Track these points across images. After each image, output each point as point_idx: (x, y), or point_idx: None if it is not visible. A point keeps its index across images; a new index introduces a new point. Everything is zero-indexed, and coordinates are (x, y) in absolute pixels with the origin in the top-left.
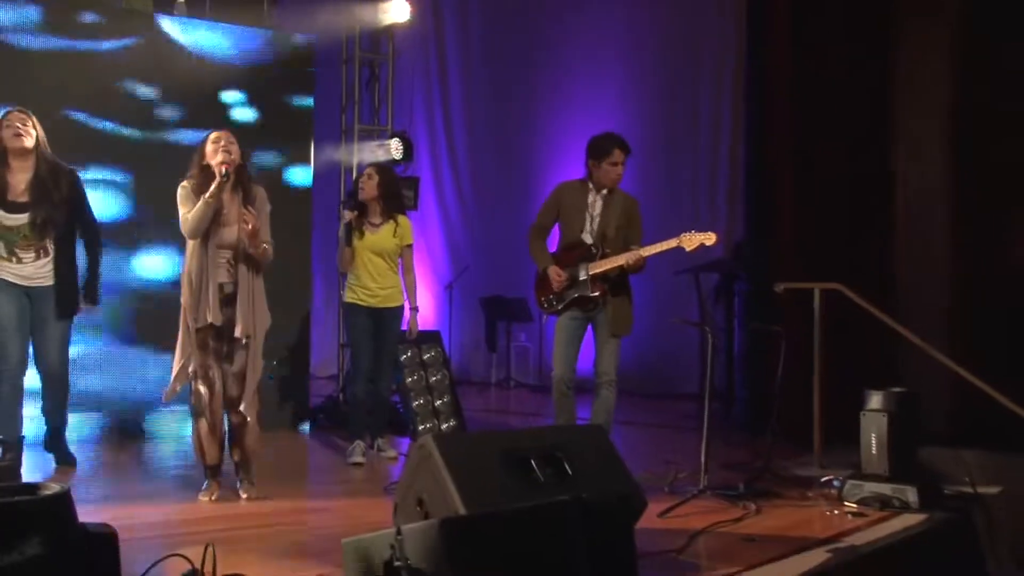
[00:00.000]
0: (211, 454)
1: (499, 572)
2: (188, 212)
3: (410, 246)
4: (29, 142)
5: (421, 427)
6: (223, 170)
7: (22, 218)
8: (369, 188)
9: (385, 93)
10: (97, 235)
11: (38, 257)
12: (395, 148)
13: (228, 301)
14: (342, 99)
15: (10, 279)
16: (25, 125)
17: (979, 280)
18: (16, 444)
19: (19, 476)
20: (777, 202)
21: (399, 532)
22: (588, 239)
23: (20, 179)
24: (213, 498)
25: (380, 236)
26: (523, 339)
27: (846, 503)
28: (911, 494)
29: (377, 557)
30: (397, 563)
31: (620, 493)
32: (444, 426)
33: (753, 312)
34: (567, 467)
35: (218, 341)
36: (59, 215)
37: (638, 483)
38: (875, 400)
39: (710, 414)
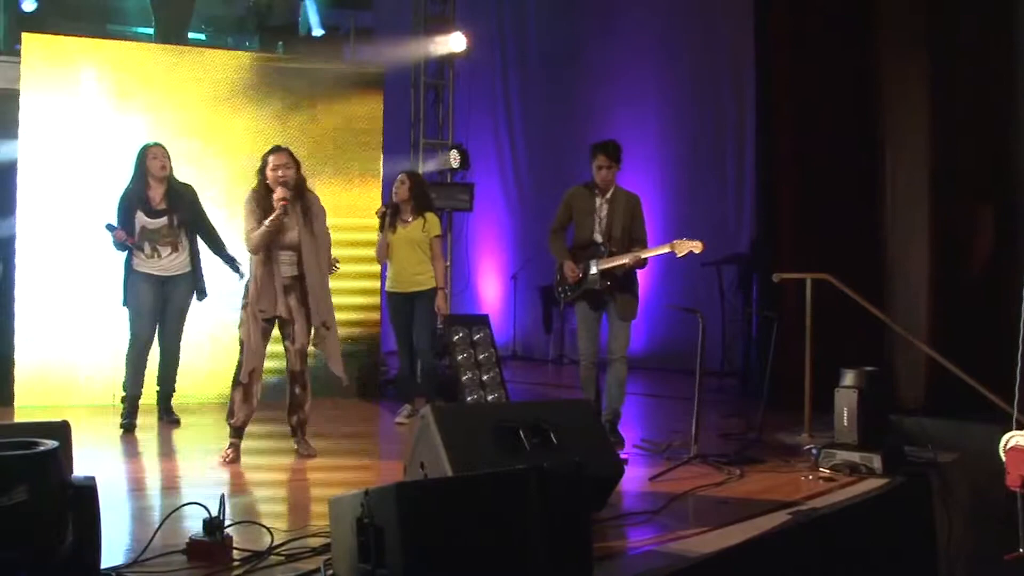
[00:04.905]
0: (239, 417)
1: (449, 534)
2: (251, 231)
3: (438, 237)
4: (167, 172)
5: (469, 398)
6: (281, 206)
7: (162, 221)
8: (401, 191)
9: (447, 112)
10: (219, 238)
11: (172, 251)
12: (454, 158)
13: (289, 292)
14: (411, 117)
15: (151, 272)
16: (167, 158)
17: (952, 267)
18: (135, 400)
19: (134, 430)
20: (780, 202)
21: (367, 493)
22: (598, 238)
23: (158, 193)
24: (230, 457)
25: (410, 230)
26: (574, 322)
27: (820, 469)
28: (876, 461)
29: (352, 514)
30: (366, 520)
31: (578, 462)
32: (490, 397)
33: (764, 300)
34: (552, 437)
35: (279, 327)
36: (188, 217)
37: (616, 452)
38: (848, 378)
39: (701, 388)
